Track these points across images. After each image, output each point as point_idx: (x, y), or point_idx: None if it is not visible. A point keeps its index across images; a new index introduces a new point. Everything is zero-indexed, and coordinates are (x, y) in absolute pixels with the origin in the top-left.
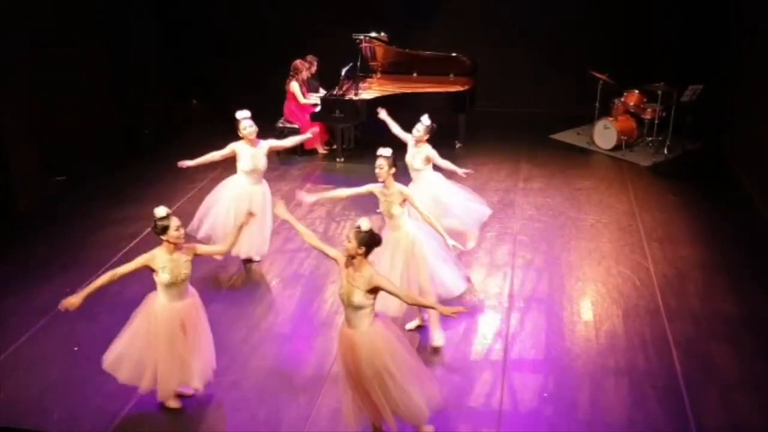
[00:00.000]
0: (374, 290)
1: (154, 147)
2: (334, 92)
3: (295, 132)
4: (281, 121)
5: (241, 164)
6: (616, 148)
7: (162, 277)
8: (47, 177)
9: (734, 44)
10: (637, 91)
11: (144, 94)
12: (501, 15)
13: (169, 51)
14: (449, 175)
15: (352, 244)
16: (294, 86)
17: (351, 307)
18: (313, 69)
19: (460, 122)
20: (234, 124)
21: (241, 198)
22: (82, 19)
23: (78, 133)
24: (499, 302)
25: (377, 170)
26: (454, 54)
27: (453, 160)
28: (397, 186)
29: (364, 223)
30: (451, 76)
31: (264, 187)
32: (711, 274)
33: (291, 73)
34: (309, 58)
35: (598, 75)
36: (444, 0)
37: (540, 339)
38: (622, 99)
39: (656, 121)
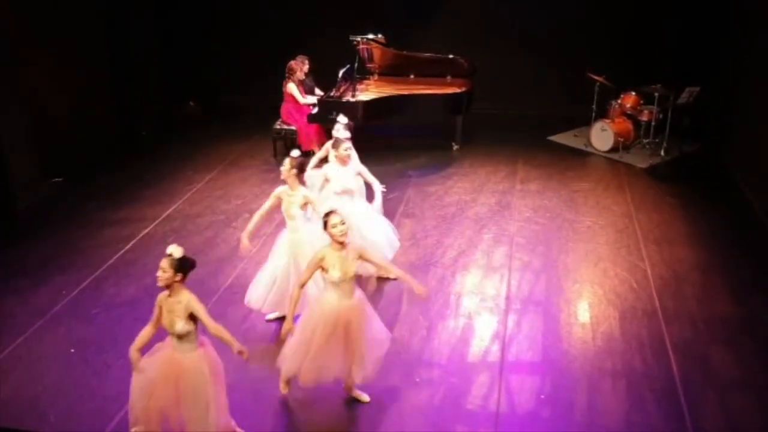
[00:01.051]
0: (193, 316)
1: (152, 148)
2: (332, 94)
3: (292, 133)
4: (278, 122)
5: (333, 185)
6: (613, 150)
7: (332, 275)
8: (45, 178)
9: (731, 46)
10: (634, 93)
11: (142, 95)
12: (499, 17)
13: (167, 52)
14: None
15: (168, 273)
16: (291, 87)
17: (175, 334)
18: (305, 68)
19: (458, 124)
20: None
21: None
22: (81, 20)
23: (76, 134)
24: (496, 304)
25: (283, 174)
26: (451, 56)
27: (450, 162)
28: (302, 189)
29: (175, 251)
30: (449, 77)
31: (357, 207)
32: (708, 276)
33: (287, 74)
34: (300, 57)
35: (596, 77)
36: (442, 2)
37: (537, 341)
38: (619, 101)
39: (653, 123)
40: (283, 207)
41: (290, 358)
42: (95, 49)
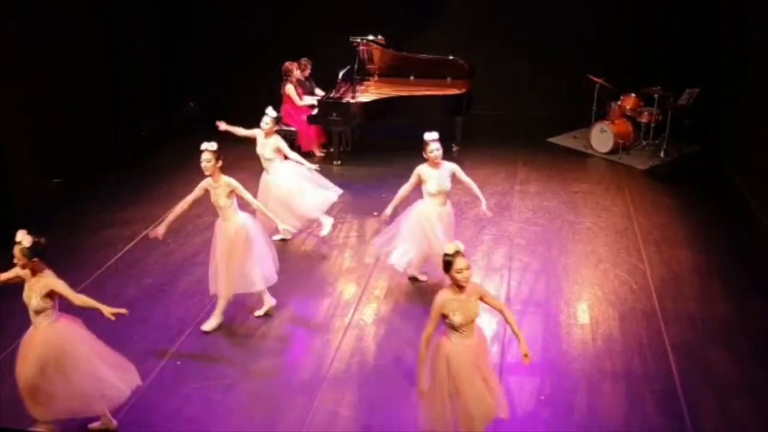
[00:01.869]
0: (51, 294)
1: (152, 149)
2: (332, 95)
3: (292, 134)
4: (279, 124)
5: (428, 187)
6: (613, 151)
7: (454, 320)
8: (45, 179)
9: (731, 48)
10: (633, 95)
11: (142, 96)
12: (499, 18)
13: (167, 54)
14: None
15: (22, 261)
16: (289, 89)
17: (32, 310)
18: (307, 72)
19: (457, 125)
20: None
21: (431, 220)
22: (81, 21)
23: (76, 135)
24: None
25: (203, 164)
26: (451, 57)
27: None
28: (225, 178)
29: (24, 239)
30: (449, 79)
31: (449, 208)
32: (708, 278)
33: (283, 76)
34: (303, 61)
35: (595, 79)
36: (442, 4)
37: (537, 342)
38: (619, 102)
39: (653, 125)
40: (212, 199)
41: (437, 416)
42: (95, 51)
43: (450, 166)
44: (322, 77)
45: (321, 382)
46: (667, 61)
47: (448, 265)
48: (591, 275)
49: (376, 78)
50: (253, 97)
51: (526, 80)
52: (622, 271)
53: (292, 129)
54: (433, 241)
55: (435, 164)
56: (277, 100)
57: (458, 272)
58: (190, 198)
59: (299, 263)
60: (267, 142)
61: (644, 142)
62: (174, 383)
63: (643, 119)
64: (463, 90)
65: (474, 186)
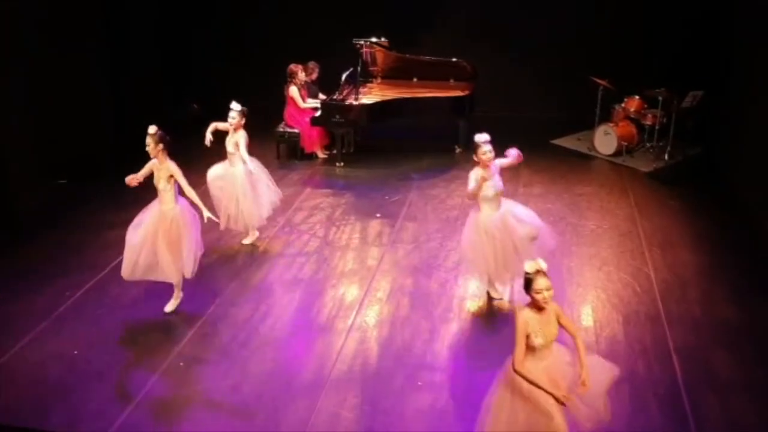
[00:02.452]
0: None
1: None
2: (335, 97)
3: (295, 136)
4: (282, 125)
5: (485, 191)
6: (617, 153)
7: (535, 342)
8: (48, 180)
9: (735, 50)
10: (637, 97)
11: (145, 97)
12: (502, 20)
13: (170, 54)
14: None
15: (152, 147)
16: (293, 91)
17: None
18: (314, 75)
19: (461, 127)
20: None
21: (488, 227)
22: (82, 22)
23: (79, 136)
24: (499, 308)
25: (147, 148)
26: (454, 59)
27: (453, 165)
28: (168, 162)
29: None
30: (452, 81)
31: (504, 210)
32: (712, 281)
33: (288, 78)
34: (311, 64)
35: (599, 81)
36: (445, 6)
37: None
38: (623, 105)
39: (657, 127)
40: (154, 180)
41: None
42: (98, 52)
43: (497, 163)
44: (324, 79)
45: (323, 384)
46: (671, 63)
47: (528, 283)
48: (594, 278)
49: (379, 80)
50: (256, 99)
51: (529, 82)
52: (625, 273)
53: (295, 131)
54: (494, 252)
55: (487, 166)
56: (281, 101)
57: (537, 293)
58: (139, 175)
59: (301, 265)
60: (233, 136)
61: (648, 145)
62: (176, 385)
63: (647, 121)
64: (467, 92)
65: (507, 162)
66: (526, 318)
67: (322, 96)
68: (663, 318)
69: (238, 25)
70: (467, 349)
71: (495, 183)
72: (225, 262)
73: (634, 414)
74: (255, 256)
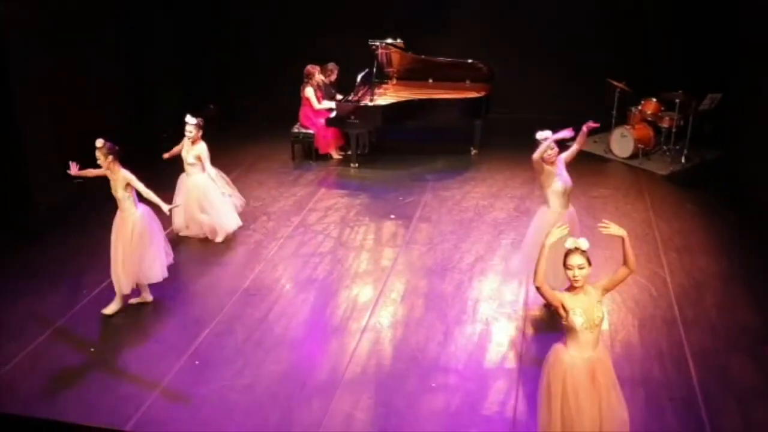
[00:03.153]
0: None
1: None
2: (350, 98)
3: (310, 137)
4: (297, 126)
5: (554, 186)
6: (633, 156)
7: (576, 321)
8: (65, 179)
9: (754, 52)
10: (654, 100)
11: (162, 98)
12: (518, 22)
13: (187, 56)
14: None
15: (102, 160)
16: (309, 91)
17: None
18: (333, 77)
19: (476, 128)
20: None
21: (556, 223)
22: (101, 23)
23: (97, 136)
24: (514, 310)
25: (98, 161)
26: (470, 60)
27: (468, 167)
28: (122, 172)
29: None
30: (468, 82)
31: (572, 210)
32: (728, 285)
33: (305, 78)
34: (330, 66)
35: (616, 83)
36: (461, 7)
37: None
38: (640, 107)
39: (674, 130)
40: (111, 189)
41: (548, 427)
42: (116, 54)
43: (562, 159)
44: (340, 80)
45: (337, 384)
46: (689, 66)
47: (564, 259)
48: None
49: (394, 81)
50: (272, 100)
51: (545, 84)
52: (641, 277)
53: (310, 131)
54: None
55: (552, 163)
56: (298, 102)
57: (569, 268)
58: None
59: (315, 265)
60: (192, 148)
61: (665, 147)
62: (191, 383)
63: (664, 124)
64: (482, 93)
65: (573, 151)
66: (559, 295)
67: (338, 97)
68: (679, 322)
69: (254, 28)
70: (481, 351)
71: (563, 178)
72: (239, 262)
73: (650, 419)
74: (269, 256)
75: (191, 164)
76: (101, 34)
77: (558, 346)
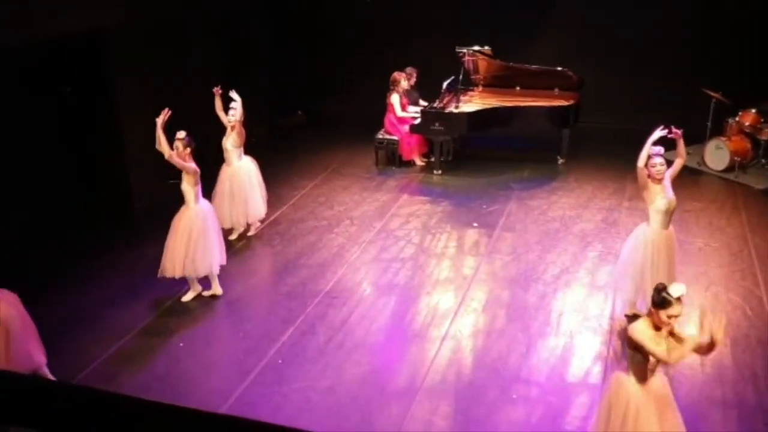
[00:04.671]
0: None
1: (260, 155)
2: (435, 105)
3: (394, 143)
4: (381, 132)
5: (656, 204)
6: (729, 169)
7: (650, 360)
8: (161, 180)
9: None
10: (753, 111)
11: (253, 105)
12: (610, 30)
13: (278, 64)
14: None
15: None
16: (394, 99)
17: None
18: (413, 81)
19: (564, 137)
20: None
21: (656, 246)
22: (197, 32)
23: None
24: (599, 324)
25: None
26: (559, 68)
27: (555, 176)
28: (193, 165)
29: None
30: (556, 90)
31: (672, 231)
32: None
33: (391, 86)
34: (408, 69)
35: (711, 93)
36: (552, 14)
37: None
38: (737, 118)
39: None
40: (182, 185)
41: None
42: (210, 62)
43: (668, 178)
44: (426, 87)
45: (416, 390)
46: None
47: (663, 303)
48: (701, 298)
49: (480, 88)
50: (357, 106)
51: (637, 93)
52: (735, 295)
53: (394, 138)
54: (650, 270)
55: (658, 181)
56: (382, 108)
57: (669, 316)
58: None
59: (396, 270)
60: (230, 135)
61: (763, 161)
62: (274, 382)
63: (763, 136)
64: (571, 102)
65: (674, 167)
66: (642, 329)
67: (423, 102)
68: None
69: (341, 35)
70: (564, 365)
71: (668, 196)
72: (325, 264)
73: None
74: (352, 260)
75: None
76: (198, 42)
77: (621, 375)
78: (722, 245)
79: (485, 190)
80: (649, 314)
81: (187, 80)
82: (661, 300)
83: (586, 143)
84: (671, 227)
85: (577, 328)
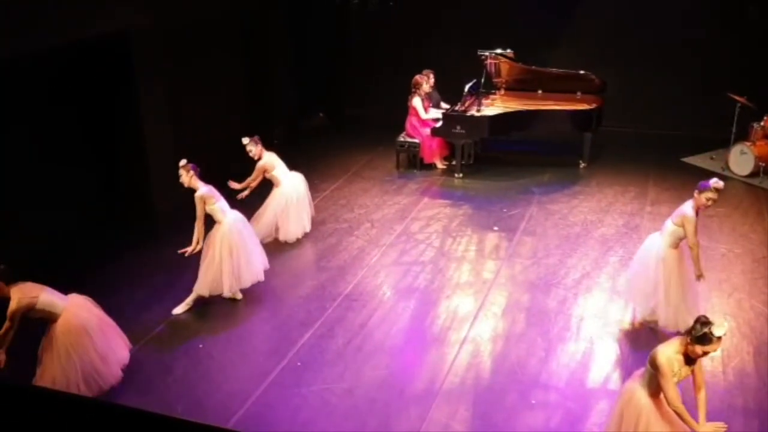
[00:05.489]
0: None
1: (283, 157)
2: (456, 108)
3: (415, 146)
4: (402, 135)
5: (690, 239)
6: (753, 174)
7: (671, 394)
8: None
9: None
10: None
11: (276, 107)
12: (633, 33)
13: (300, 67)
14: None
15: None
16: (416, 101)
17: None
18: (431, 82)
19: (586, 141)
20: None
21: (669, 262)
22: (222, 37)
23: (213, 142)
24: (620, 329)
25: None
26: (582, 72)
27: (577, 180)
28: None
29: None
30: (579, 94)
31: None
32: None
33: (412, 88)
34: (425, 71)
35: (736, 97)
36: (575, 17)
37: None
38: (762, 123)
39: None
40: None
41: None
42: (233, 65)
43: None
44: (447, 91)
45: (435, 394)
46: None
47: (703, 339)
48: (724, 305)
49: (502, 92)
50: (379, 109)
51: (661, 97)
52: (758, 302)
53: (416, 141)
54: (662, 284)
55: (700, 211)
56: (403, 111)
57: (705, 353)
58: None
59: (416, 274)
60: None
61: None
62: (293, 384)
63: None
64: (594, 105)
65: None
66: (670, 358)
67: (444, 104)
68: None
69: (364, 37)
70: (584, 370)
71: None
72: (344, 267)
73: None
74: (372, 262)
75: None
76: (221, 45)
77: (634, 386)
78: (745, 251)
79: (506, 193)
80: (683, 342)
81: (209, 84)
82: (702, 336)
83: (609, 147)
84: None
85: (598, 333)
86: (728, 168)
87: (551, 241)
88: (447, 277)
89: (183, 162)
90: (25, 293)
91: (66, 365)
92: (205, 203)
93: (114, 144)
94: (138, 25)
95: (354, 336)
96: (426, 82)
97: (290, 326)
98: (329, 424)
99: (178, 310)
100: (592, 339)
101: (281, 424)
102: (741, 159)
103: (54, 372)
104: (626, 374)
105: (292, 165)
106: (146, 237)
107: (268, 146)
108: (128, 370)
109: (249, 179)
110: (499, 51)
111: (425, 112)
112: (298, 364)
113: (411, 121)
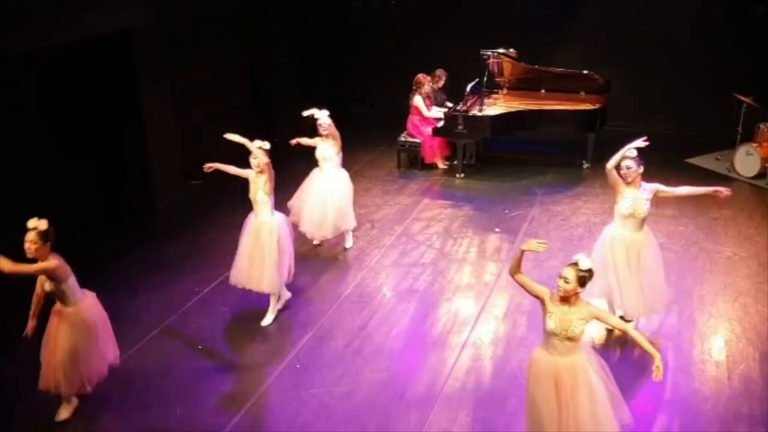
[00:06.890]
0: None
1: (284, 156)
2: (458, 107)
3: (416, 146)
4: (403, 135)
5: (620, 207)
6: (759, 176)
7: (548, 324)
8: (184, 180)
9: None
10: None
11: (277, 105)
12: (637, 32)
13: (302, 65)
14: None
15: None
16: (417, 100)
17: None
18: (441, 83)
19: (589, 141)
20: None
21: (614, 246)
22: (225, 32)
23: (215, 141)
24: (619, 334)
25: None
26: (585, 71)
27: (580, 181)
28: (268, 172)
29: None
30: (582, 93)
31: (646, 237)
32: None
33: (413, 87)
34: (438, 72)
35: (742, 98)
36: (579, 17)
37: (666, 377)
38: None
39: None
40: (251, 193)
41: (530, 422)
42: (236, 62)
43: (651, 188)
44: (451, 90)
45: (435, 398)
46: None
47: (584, 280)
48: (729, 309)
49: (505, 91)
50: (380, 108)
51: (665, 97)
52: (764, 306)
53: (417, 141)
54: (615, 271)
55: (629, 184)
56: (405, 110)
57: (559, 276)
58: (233, 170)
59: (417, 276)
60: (324, 145)
61: None
62: (292, 386)
63: None
64: (597, 105)
65: (691, 189)
66: (543, 292)
67: (449, 104)
68: None
69: (366, 36)
70: None
71: (635, 203)
72: (342, 268)
73: None
74: (372, 264)
75: (326, 160)
76: (224, 44)
77: (537, 348)
78: (751, 255)
79: (508, 194)
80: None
81: (212, 82)
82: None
83: (612, 148)
84: (646, 230)
85: (599, 336)
86: (734, 169)
87: (553, 243)
88: (448, 279)
89: (268, 145)
90: (63, 266)
91: (67, 358)
92: (269, 185)
93: (116, 142)
94: (140, 23)
95: (353, 338)
96: (435, 82)
97: (290, 327)
98: (328, 428)
99: (268, 320)
100: (593, 342)
101: (280, 426)
102: (747, 160)
103: (54, 364)
104: (627, 377)
105: (294, 164)
106: (147, 235)
107: (270, 144)
108: (128, 370)
109: (308, 140)
110: (502, 50)
111: (428, 109)
112: (298, 366)
113: (412, 120)
